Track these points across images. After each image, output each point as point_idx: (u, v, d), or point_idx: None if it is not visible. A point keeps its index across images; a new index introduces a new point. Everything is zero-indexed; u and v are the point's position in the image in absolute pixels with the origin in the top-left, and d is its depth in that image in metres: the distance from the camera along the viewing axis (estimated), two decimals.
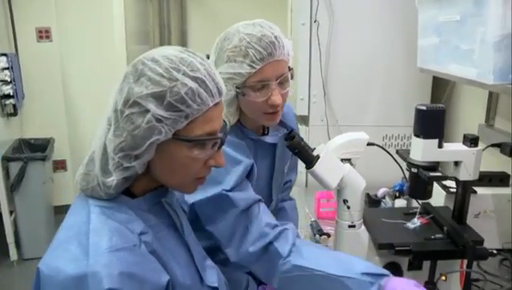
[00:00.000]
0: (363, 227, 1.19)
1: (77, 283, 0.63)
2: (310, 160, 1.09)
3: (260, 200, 1.07)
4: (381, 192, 1.65)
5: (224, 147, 0.79)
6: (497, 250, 1.40)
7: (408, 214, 1.27)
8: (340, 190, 1.17)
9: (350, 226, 1.17)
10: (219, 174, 0.97)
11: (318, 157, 1.09)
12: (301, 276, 0.94)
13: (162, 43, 4.26)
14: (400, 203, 1.55)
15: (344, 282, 0.91)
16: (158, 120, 0.69)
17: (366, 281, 0.91)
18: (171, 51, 0.73)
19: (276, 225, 1.04)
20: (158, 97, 0.69)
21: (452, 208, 1.25)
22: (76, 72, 3.48)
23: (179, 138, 0.71)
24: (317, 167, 1.09)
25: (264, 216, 1.05)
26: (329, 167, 1.11)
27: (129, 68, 0.73)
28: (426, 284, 1.16)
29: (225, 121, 0.80)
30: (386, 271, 0.93)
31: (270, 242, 1.00)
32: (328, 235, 1.44)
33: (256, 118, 1.08)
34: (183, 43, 4.45)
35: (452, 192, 1.34)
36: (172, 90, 0.69)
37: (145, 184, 0.78)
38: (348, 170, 1.14)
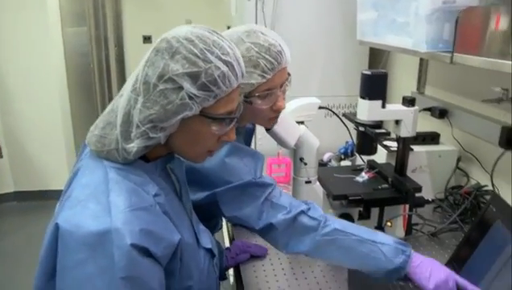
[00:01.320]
0: (318, 183, 1.31)
1: (100, 238, 0.66)
2: None
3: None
4: (326, 156, 1.79)
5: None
6: (433, 199, 1.60)
7: (356, 170, 1.41)
8: (296, 149, 1.28)
9: (307, 182, 1.29)
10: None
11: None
12: (339, 240, 0.98)
13: (97, 25, 4.13)
14: (345, 164, 1.70)
15: (380, 248, 0.96)
16: (191, 97, 0.72)
17: (399, 248, 0.97)
18: (203, 31, 0.76)
19: (301, 202, 1.07)
20: (194, 77, 0.72)
21: (393, 164, 1.41)
22: (8, 57, 3.30)
23: (205, 114, 0.76)
24: (277, 128, 1.19)
25: (285, 195, 1.08)
26: (287, 128, 1.22)
27: (162, 44, 0.75)
28: (375, 229, 1.31)
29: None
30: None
31: (302, 212, 1.02)
32: None
33: (258, 122, 1.14)
34: (118, 23, 4.36)
35: (393, 151, 1.51)
36: (207, 72, 0.72)
37: (159, 151, 0.81)
38: (304, 130, 1.25)
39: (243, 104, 0.96)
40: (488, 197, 1.49)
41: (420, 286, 0.95)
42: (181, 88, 0.72)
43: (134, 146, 0.75)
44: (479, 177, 1.57)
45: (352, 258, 0.98)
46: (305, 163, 1.26)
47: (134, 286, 0.67)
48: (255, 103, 1.03)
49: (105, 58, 4.30)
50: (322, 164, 1.79)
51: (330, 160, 1.78)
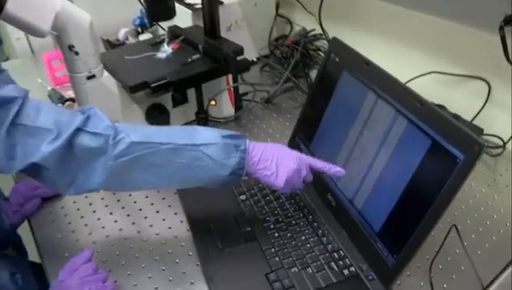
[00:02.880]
0: (106, 73, 0.92)
1: None
2: None
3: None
4: (122, 33, 1.36)
5: None
6: (259, 57, 1.35)
7: (155, 44, 1.05)
8: (59, 35, 0.85)
9: (89, 77, 0.89)
10: None
11: None
12: (144, 157, 0.65)
13: None
14: (146, 37, 1.31)
15: (203, 151, 0.66)
16: None
17: (231, 144, 0.68)
18: None
19: (75, 112, 0.67)
20: None
21: (202, 26, 1.08)
22: None
23: None
24: (13, 9, 0.73)
25: (44, 109, 0.65)
26: (31, 5, 0.76)
27: None
28: (197, 115, 1.02)
29: None
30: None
31: (78, 129, 0.63)
32: (73, 100, 1.14)
33: None
34: None
35: (198, 8, 1.16)
36: None
37: None
38: (62, 4, 0.81)
39: None
40: (319, 43, 1.29)
41: (268, 184, 0.71)
42: None
43: None
44: (304, 22, 1.34)
45: (170, 177, 0.67)
46: (76, 53, 0.85)
47: None
48: None
49: None
50: (119, 45, 1.38)
51: (127, 38, 1.37)
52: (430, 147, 0.63)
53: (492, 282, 0.68)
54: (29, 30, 0.79)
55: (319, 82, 0.88)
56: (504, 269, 0.68)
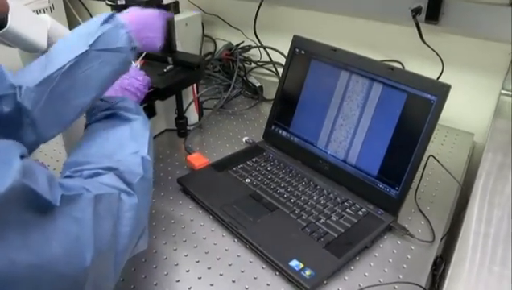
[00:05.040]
0: None
1: None
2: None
3: None
4: None
5: None
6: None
7: None
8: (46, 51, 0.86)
9: None
10: None
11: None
12: (54, 90, 0.64)
13: None
14: None
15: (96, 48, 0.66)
16: None
17: (111, 28, 0.69)
18: None
19: None
20: None
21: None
22: None
23: None
24: (13, 23, 0.74)
25: None
26: (28, 21, 0.78)
27: None
28: (177, 120, 1.09)
29: None
30: None
31: None
32: None
33: None
34: None
35: None
36: None
37: None
38: (50, 20, 0.84)
39: None
40: (246, 54, 1.46)
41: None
42: None
43: None
44: (226, 37, 1.50)
45: (90, 87, 0.68)
46: None
47: None
48: None
49: None
50: None
51: None
52: (406, 98, 0.83)
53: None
54: (27, 45, 0.80)
55: (287, 75, 1.04)
56: None
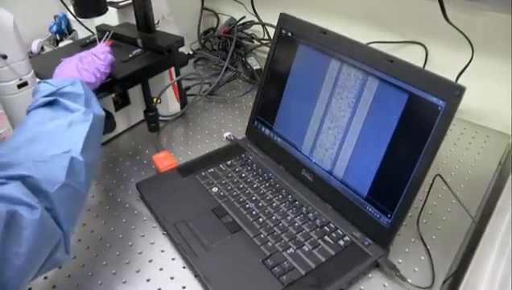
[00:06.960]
0: (37, 79, 0.82)
1: None
2: None
3: None
4: (35, 45, 1.23)
5: None
6: (192, 51, 1.29)
7: (87, 44, 0.96)
8: None
9: (20, 86, 0.78)
10: None
11: None
12: None
13: None
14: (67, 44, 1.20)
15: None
16: None
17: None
18: None
19: None
20: None
21: (132, 22, 1.01)
22: None
23: None
24: None
25: None
26: None
27: None
28: (146, 113, 0.95)
29: None
30: None
31: None
32: None
33: None
34: None
35: (124, 6, 1.09)
36: None
37: None
38: None
39: None
40: (249, 31, 1.28)
41: None
42: None
43: None
44: (231, 12, 1.32)
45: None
46: (4, 57, 0.74)
47: None
48: None
49: None
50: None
51: (43, 48, 1.24)
52: (407, 100, 0.64)
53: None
54: None
55: (272, 61, 0.86)
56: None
